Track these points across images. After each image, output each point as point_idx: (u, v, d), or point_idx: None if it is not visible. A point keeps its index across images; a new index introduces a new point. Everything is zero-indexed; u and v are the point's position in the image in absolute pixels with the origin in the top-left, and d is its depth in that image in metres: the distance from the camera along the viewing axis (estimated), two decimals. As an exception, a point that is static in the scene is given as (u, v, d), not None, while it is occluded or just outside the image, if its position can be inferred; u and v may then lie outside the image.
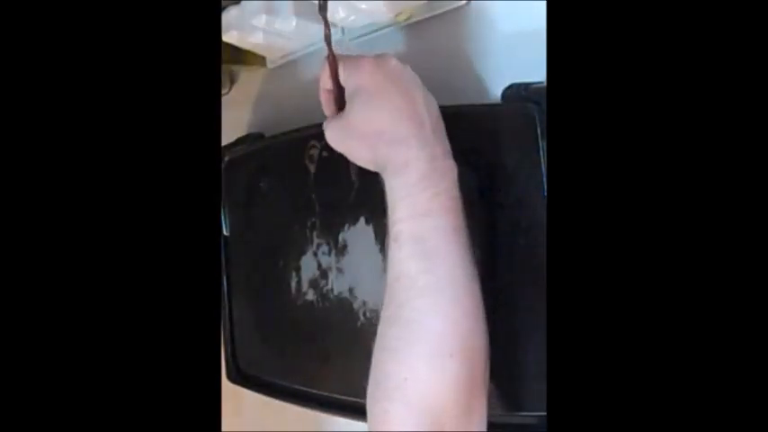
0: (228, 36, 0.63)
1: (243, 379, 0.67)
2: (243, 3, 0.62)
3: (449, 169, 0.42)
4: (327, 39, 0.46)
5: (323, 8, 0.45)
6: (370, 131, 0.43)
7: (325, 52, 0.46)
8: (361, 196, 0.55)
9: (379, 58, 0.44)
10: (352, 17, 0.59)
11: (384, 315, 0.41)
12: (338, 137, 0.46)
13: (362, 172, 0.51)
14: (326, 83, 0.46)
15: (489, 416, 0.41)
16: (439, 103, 0.52)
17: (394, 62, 0.44)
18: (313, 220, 0.59)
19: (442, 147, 0.43)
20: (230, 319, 0.68)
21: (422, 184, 0.40)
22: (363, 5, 0.57)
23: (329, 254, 0.58)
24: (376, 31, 0.62)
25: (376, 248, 0.54)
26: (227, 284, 0.68)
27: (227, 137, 0.70)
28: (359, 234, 0.55)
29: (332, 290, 0.57)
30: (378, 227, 0.54)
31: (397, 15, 0.60)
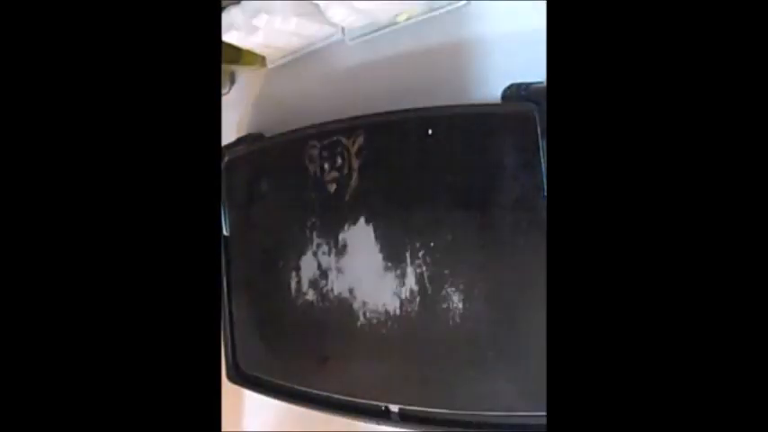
0: (228, 36, 0.63)
1: (243, 379, 0.67)
2: (243, 3, 0.62)
3: None
4: None
5: None
6: None
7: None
8: (361, 196, 0.55)
9: None
10: (352, 17, 0.59)
11: None
12: None
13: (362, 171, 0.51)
14: None
15: (490, 416, 0.41)
16: (439, 104, 0.52)
17: None
18: (313, 220, 0.59)
19: None
20: (230, 319, 0.68)
21: None
22: (363, 5, 0.57)
23: (329, 254, 0.58)
24: (376, 31, 0.62)
25: (376, 248, 0.54)
26: (227, 284, 0.68)
27: (227, 137, 0.70)
28: (359, 234, 0.55)
29: (332, 290, 0.57)
30: (378, 227, 0.54)
31: (397, 15, 0.60)
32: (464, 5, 0.57)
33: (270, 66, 0.73)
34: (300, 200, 0.60)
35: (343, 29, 0.64)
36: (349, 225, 0.56)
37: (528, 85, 0.48)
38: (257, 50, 0.70)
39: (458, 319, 0.50)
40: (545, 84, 0.46)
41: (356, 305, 0.55)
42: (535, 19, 0.50)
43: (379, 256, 0.54)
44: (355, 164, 0.56)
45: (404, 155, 0.53)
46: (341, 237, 0.57)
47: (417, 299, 0.52)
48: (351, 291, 0.56)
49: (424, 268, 0.51)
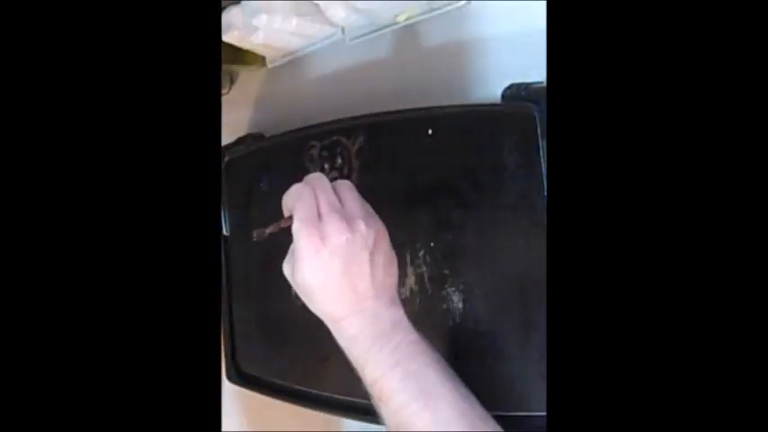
0: (229, 36, 0.63)
1: (243, 379, 0.67)
2: (243, 3, 0.62)
3: (397, 321, 0.43)
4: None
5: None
6: (312, 299, 0.43)
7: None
8: (361, 196, 0.55)
9: (328, 230, 0.41)
10: (353, 17, 0.59)
11: None
12: (288, 275, 0.44)
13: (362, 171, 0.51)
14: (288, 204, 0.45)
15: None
16: (439, 103, 0.52)
17: (341, 239, 0.41)
18: (313, 220, 0.59)
19: (386, 301, 0.43)
20: (230, 319, 0.68)
21: (377, 346, 0.42)
22: (363, 5, 0.57)
23: (329, 254, 0.58)
24: (376, 31, 0.62)
25: (376, 248, 0.54)
26: (227, 284, 0.68)
27: (227, 137, 0.70)
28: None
29: (332, 290, 0.57)
30: (378, 227, 0.54)
31: (397, 15, 0.60)
32: (464, 5, 0.57)
33: (270, 66, 0.73)
34: (300, 200, 0.59)
35: (343, 29, 0.64)
36: (349, 225, 0.56)
37: (528, 85, 0.48)
38: (257, 50, 0.70)
39: (458, 320, 0.50)
40: (545, 84, 0.46)
41: (356, 305, 0.55)
42: (535, 19, 0.50)
43: (380, 256, 0.53)
44: (355, 164, 0.56)
45: (404, 155, 0.53)
46: (341, 237, 0.57)
47: (417, 299, 0.52)
48: (351, 291, 0.56)
49: (424, 268, 0.51)
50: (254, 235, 0.45)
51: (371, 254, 0.43)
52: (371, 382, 0.42)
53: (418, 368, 0.41)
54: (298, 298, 0.44)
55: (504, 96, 0.49)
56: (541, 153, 0.45)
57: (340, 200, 0.44)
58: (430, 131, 0.51)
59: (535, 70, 0.45)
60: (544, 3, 0.43)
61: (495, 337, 0.48)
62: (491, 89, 0.52)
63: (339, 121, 0.58)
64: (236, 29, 0.62)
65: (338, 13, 0.58)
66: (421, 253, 0.51)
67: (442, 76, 0.59)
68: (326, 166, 0.57)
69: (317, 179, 0.45)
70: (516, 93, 0.48)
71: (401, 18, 0.60)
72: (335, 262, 0.41)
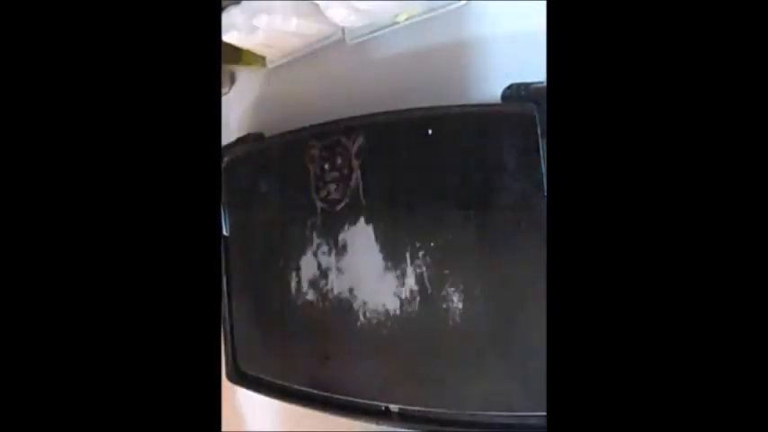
0: (229, 36, 0.63)
1: (243, 379, 0.67)
2: (243, 3, 0.62)
3: None
4: None
5: None
6: None
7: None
8: (361, 196, 0.55)
9: None
10: (353, 17, 0.59)
11: None
12: None
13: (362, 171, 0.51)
14: None
15: (490, 416, 0.41)
16: (439, 104, 0.52)
17: None
18: (313, 220, 0.59)
19: None
20: (230, 319, 0.68)
21: None
22: (363, 5, 0.57)
23: (329, 254, 0.58)
24: (376, 31, 0.62)
25: (376, 248, 0.54)
26: (227, 284, 0.68)
27: (227, 137, 0.70)
28: (359, 234, 0.55)
29: (332, 290, 0.57)
30: (377, 227, 0.54)
31: (397, 15, 0.60)
32: (464, 5, 0.57)
33: (270, 66, 0.73)
34: (300, 200, 0.60)
35: (343, 29, 0.64)
36: (349, 225, 0.56)
37: (528, 85, 0.48)
38: (257, 50, 0.70)
39: (458, 319, 0.50)
40: (545, 84, 0.46)
41: (356, 305, 0.55)
42: (535, 19, 0.50)
43: (379, 256, 0.54)
44: (355, 164, 0.56)
45: (404, 155, 0.53)
46: (341, 237, 0.57)
47: (417, 299, 0.52)
48: (351, 291, 0.56)
49: (424, 268, 0.51)
50: None
51: None
52: None
53: None
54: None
55: (504, 96, 0.49)
56: (541, 153, 0.45)
57: None
58: (430, 131, 0.51)
59: (535, 70, 0.45)
60: (544, 3, 0.43)
61: (495, 337, 0.48)
62: (491, 89, 0.52)
63: (339, 121, 0.58)
64: (236, 29, 0.62)
65: (338, 13, 0.58)
66: (421, 253, 0.51)
67: (442, 76, 0.59)
68: (326, 166, 0.57)
69: None
70: (516, 93, 0.48)
71: (401, 18, 0.60)
72: None
